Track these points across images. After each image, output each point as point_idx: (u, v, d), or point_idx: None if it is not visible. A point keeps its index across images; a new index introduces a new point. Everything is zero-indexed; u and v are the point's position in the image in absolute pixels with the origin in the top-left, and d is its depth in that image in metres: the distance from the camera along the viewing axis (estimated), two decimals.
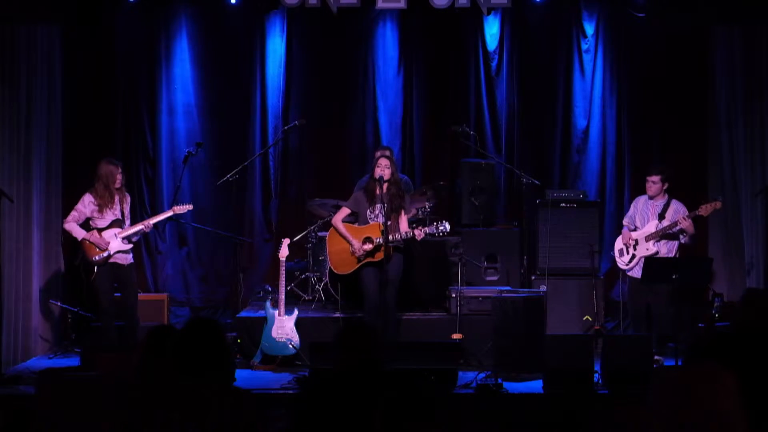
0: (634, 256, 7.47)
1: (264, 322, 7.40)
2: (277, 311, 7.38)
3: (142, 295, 8.04)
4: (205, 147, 8.85)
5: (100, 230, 7.34)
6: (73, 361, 7.29)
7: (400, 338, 7.29)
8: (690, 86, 8.88)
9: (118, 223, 7.40)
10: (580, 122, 9.12)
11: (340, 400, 3.50)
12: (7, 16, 7.94)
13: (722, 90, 8.53)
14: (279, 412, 4.64)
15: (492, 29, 9.13)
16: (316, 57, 9.21)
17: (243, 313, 8.04)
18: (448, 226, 7.00)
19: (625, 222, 7.76)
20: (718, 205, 7.22)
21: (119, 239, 7.36)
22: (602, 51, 9.08)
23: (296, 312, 7.46)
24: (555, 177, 9.15)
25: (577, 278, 8.10)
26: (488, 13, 9.00)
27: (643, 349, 6.53)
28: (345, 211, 7.30)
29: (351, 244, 7.12)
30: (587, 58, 9.10)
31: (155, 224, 7.75)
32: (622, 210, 8.58)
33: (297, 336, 7.33)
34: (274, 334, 7.33)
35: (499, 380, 6.41)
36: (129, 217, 7.54)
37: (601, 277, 8.29)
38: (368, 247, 7.07)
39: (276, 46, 9.18)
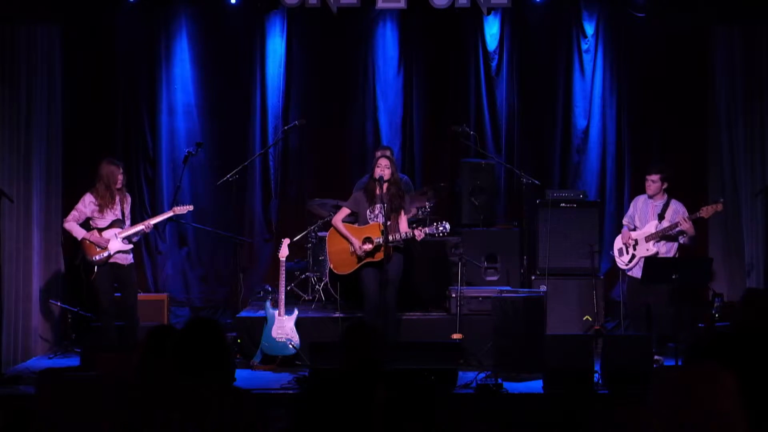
0: (633, 256, 7.47)
1: (264, 322, 7.40)
2: (277, 311, 7.38)
3: (142, 295, 8.04)
4: (205, 147, 8.85)
5: (100, 230, 7.34)
6: (73, 361, 7.29)
7: (400, 338, 7.29)
8: (690, 86, 8.88)
9: (118, 224, 7.40)
10: (580, 122, 9.12)
11: (340, 400, 3.50)
12: (7, 16, 7.94)
13: (722, 90, 8.53)
14: (279, 412, 4.64)
15: (492, 29, 9.13)
16: (316, 57, 9.21)
17: (243, 313, 8.04)
18: (448, 226, 7.00)
19: (624, 221, 7.75)
20: (720, 207, 7.21)
21: (119, 239, 7.36)
22: (602, 51, 9.08)
23: (296, 312, 7.46)
24: (555, 177, 9.15)
25: (577, 278, 8.10)
26: (488, 13, 9.00)
27: (643, 349, 6.52)
28: (345, 211, 7.30)
29: (351, 244, 7.12)
30: (587, 58, 9.10)
31: (155, 224, 7.75)
32: (622, 210, 8.57)
33: (297, 336, 7.33)
34: (274, 334, 7.33)
35: (499, 380, 6.41)
36: (129, 217, 7.54)
37: (601, 277, 8.29)
38: (368, 247, 7.07)
39: (276, 46, 9.18)
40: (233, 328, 7.71)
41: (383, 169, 7.10)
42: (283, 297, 7.42)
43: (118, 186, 7.40)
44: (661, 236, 7.36)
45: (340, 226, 7.21)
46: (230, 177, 8.05)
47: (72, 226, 7.37)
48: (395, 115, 9.25)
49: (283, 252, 7.51)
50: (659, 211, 7.44)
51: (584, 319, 7.93)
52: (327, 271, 8.04)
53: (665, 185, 7.47)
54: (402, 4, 8.83)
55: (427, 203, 8.25)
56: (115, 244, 7.35)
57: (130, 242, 7.46)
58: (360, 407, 3.48)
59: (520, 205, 8.72)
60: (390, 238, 6.93)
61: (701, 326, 7.70)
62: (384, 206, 7.03)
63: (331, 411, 3.49)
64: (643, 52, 8.99)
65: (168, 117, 9.11)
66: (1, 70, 7.91)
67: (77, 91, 8.74)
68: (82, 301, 7.96)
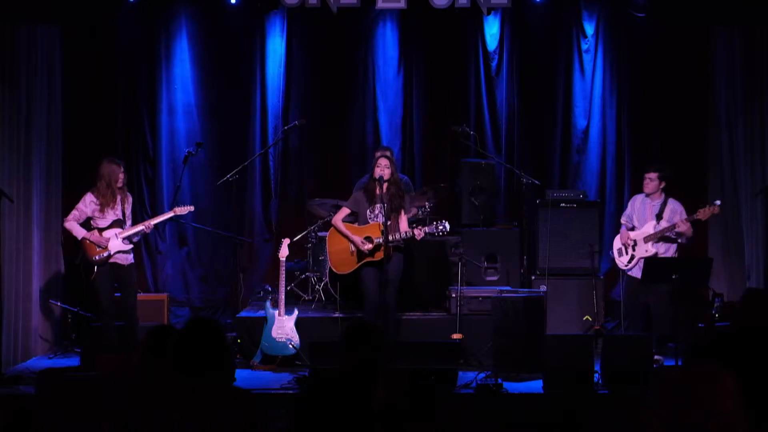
0: (633, 256, 7.47)
1: (264, 322, 7.40)
2: (277, 311, 7.38)
3: (142, 295, 8.05)
4: (205, 147, 8.85)
5: (100, 230, 7.34)
6: (73, 361, 7.29)
7: (400, 338, 7.29)
8: (690, 86, 8.88)
9: (118, 224, 7.39)
10: (580, 122, 9.12)
11: (340, 400, 3.50)
12: (7, 16, 7.94)
13: (722, 90, 8.53)
14: (279, 412, 4.64)
15: (492, 29, 9.13)
16: (316, 57, 9.22)
17: (243, 313, 8.03)
18: (447, 226, 7.00)
19: (623, 220, 7.76)
20: (717, 209, 7.19)
21: (119, 239, 7.36)
22: (602, 51, 9.08)
23: (296, 312, 7.46)
24: (555, 177, 9.15)
25: (577, 278, 8.10)
26: (488, 13, 9.00)
27: (643, 349, 6.52)
28: (345, 211, 7.30)
29: (353, 242, 7.11)
30: (587, 58, 9.10)
31: (156, 225, 7.75)
32: (622, 210, 8.54)
33: (297, 336, 7.33)
34: (274, 334, 7.33)
35: (499, 380, 6.41)
36: (131, 217, 7.54)
37: (601, 277, 8.29)
38: (368, 246, 7.07)
39: (276, 46, 9.18)
40: (233, 328, 7.71)
41: (383, 168, 7.10)
42: (283, 297, 7.42)
43: (119, 185, 7.40)
44: (659, 237, 7.36)
45: (341, 226, 7.21)
46: (230, 177, 8.05)
47: (72, 225, 7.37)
48: (395, 115, 9.25)
49: (283, 252, 7.51)
50: (657, 212, 7.44)
51: (584, 319, 7.93)
52: (327, 271, 8.04)
53: (663, 184, 7.47)
54: (402, 4, 8.83)
55: (427, 203, 8.25)
56: (116, 244, 7.34)
57: (130, 242, 7.46)
58: (360, 407, 3.48)
59: (520, 205, 8.72)
60: (390, 237, 6.93)
61: (701, 326, 7.70)
62: (384, 206, 7.03)
63: (331, 411, 3.49)
64: (643, 52, 8.99)
65: (168, 117, 9.11)
66: (1, 70, 7.91)
67: (77, 91, 8.74)
68: (82, 301, 7.96)
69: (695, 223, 7.31)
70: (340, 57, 9.26)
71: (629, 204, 7.77)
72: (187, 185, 8.83)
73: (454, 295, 7.65)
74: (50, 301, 8.11)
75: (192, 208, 7.67)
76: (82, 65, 8.83)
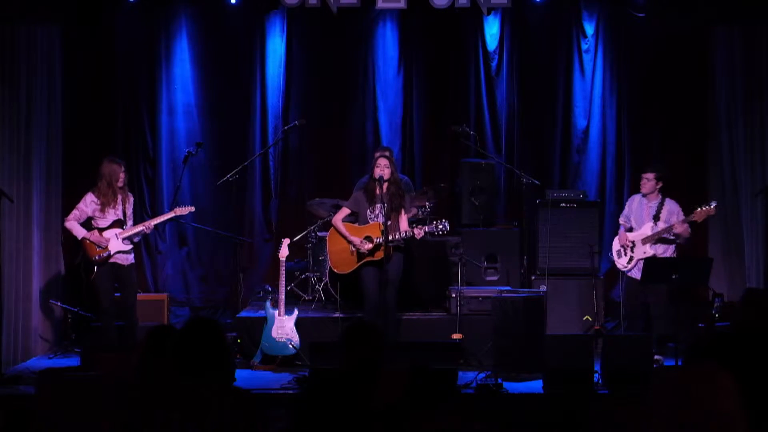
0: (632, 258, 7.47)
1: (264, 322, 7.40)
2: (277, 311, 7.38)
3: (142, 295, 8.04)
4: (205, 147, 8.85)
5: (101, 230, 7.34)
6: (73, 361, 7.30)
7: (400, 338, 7.29)
8: (690, 86, 8.88)
9: (119, 224, 7.39)
10: (580, 122, 9.12)
11: (340, 400, 3.50)
12: (7, 16, 7.94)
13: (722, 90, 8.53)
14: (279, 412, 4.64)
15: (492, 29, 9.13)
16: (316, 57, 9.22)
17: (243, 313, 8.03)
18: (447, 225, 7.00)
19: (621, 221, 7.76)
20: (712, 211, 7.18)
21: (120, 239, 7.36)
22: (602, 51, 9.08)
23: (296, 312, 7.46)
24: (555, 177, 9.15)
25: (577, 278, 8.10)
26: (488, 13, 9.01)
27: (643, 349, 6.52)
28: (345, 211, 7.30)
29: (352, 243, 7.12)
30: (587, 58, 9.10)
31: (156, 225, 7.75)
32: (622, 210, 8.57)
33: (297, 336, 7.33)
34: (274, 334, 7.33)
35: (499, 380, 6.41)
36: (131, 217, 7.53)
37: (601, 277, 8.29)
38: (368, 246, 7.07)
39: (276, 46, 9.18)
40: (233, 328, 7.71)
41: (383, 168, 7.11)
42: (283, 297, 7.42)
43: (120, 184, 7.39)
44: (657, 239, 7.36)
45: (340, 226, 7.21)
46: (230, 177, 8.05)
47: (73, 225, 7.37)
48: (395, 115, 9.25)
49: (283, 252, 7.51)
50: (654, 212, 7.43)
51: (584, 319, 7.93)
52: (327, 271, 8.04)
53: (660, 185, 7.47)
54: (402, 4, 8.83)
55: (427, 203, 8.25)
56: (116, 243, 7.34)
57: (130, 242, 7.46)
58: (360, 407, 3.48)
59: (520, 205, 8.72)
60: (390, 237, 6.93)
61: (701, 326, 7.70)
62: (384, 206, 7.03)
63: (331, 411, 3.49)
64: (643, 52, 8.99)
65: (168, 117, 9.11)
66: (1, 70, 7.91)
67: (77, 91, 8.74)
68: (82, 301, 7.96)
69: (692, 224, 7.31)
70: (340, 57, 9.26)
71: (627, 204, 7.78)
72: (187, 185, 8.84)
73: (454, 295, 7.65)
74: (50, 301, 8.11)
75: (192, 209, 7.67)
76: (82, 65, 8.83)
